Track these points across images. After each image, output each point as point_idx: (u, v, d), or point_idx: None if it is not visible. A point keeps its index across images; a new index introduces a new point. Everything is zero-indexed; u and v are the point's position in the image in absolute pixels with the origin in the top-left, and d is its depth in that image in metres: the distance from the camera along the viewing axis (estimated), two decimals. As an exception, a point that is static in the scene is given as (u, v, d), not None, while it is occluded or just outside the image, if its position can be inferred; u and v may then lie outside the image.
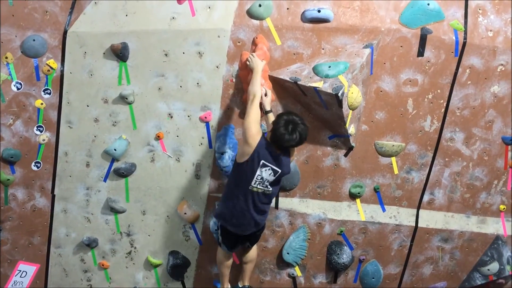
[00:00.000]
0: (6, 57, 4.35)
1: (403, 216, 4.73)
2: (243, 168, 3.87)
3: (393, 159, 4.57)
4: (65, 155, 4.59)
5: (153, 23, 4.29)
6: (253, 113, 3.86)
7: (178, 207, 4.65)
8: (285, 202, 4.62)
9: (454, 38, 4.32)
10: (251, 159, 3.82)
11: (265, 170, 3.85)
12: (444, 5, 4.31)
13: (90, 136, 4.54)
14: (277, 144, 3.85)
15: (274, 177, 3.91)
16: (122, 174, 4.57)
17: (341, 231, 4.69)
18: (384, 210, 4.70)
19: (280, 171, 3.91)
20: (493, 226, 4.87)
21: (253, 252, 4.47)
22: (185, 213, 4.63)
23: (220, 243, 4.27)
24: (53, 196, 4.68)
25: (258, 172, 3.85)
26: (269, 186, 3.94)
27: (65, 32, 4.35)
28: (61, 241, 4.81)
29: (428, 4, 4.26)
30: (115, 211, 4.68)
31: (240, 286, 4.57)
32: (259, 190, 3.92)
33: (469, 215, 4.82)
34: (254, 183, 3.88)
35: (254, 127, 3.82)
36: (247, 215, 3.98)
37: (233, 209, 3.98)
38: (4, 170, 4.56)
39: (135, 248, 4.79)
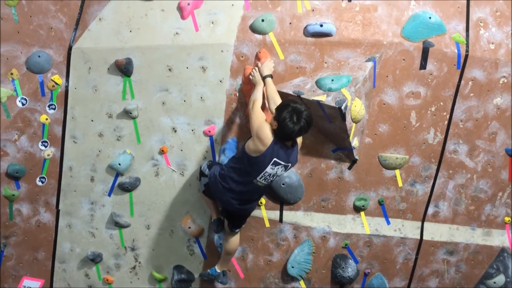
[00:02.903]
0: (12, 73, 4.40)
1: (408, 229, 4.71)
2: (253, 161, 3.82)
3: (397, 171, 4.57)
4: (69, 170, 4.60)
5: (157, 39, 4.33)
6: (258, 115, 3.83)
7: (182, 221, 4.65)
8: (289, 215, 4.61)
9: (456, 51, 4.34)
10: (263, 156, 3.77)
11: (277, 167, 3.83)
12: (445, 19, 4.34)
13: (95, 151, 4.56)
14: (288, 138, 3.80)
15: (285, 171, 3.93)
16: (127, 188, 4.58)
17: (346, 244, 4.67)
18: (388, 223, 4.68)
19: (290, 164, 3.90)
20: (499, 239, 4.85)
21: (236, 242, 4.41)
22: (190, 227, 4.63)
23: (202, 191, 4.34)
24: (58, 211, 4.69)
25: (267, 169, 3.82)
26: (271, 180, 3.94)
27: (70, 48, 4.39)
28: (65, 256, 4.80)
29: (430, 18, 4.29)
30: (119, 226, 4.68)
31: (219, 270, 4.51)
32: (260, 184, 3.93)
33: (474, 227, 4.80)
34: (260, 178, 3.87)
35: (266, 127, 3.76)
36: (234, 203, 4.04)
37: (224, 191, 4.00)
38: (9, 186, 4.58)
39: (139, 263, 4.78)
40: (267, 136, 3.74)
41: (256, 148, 3.78)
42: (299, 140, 4.02)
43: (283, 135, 3.74)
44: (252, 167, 3.85)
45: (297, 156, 4.01)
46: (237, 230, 4.35)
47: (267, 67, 4.11)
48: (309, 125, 3.74)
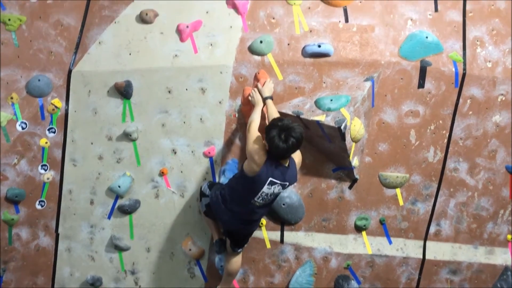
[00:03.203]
0: (12, 98, 4.41)
1: (410, 248, 4.68)
2: (249, 181, 3.82)
3: (398, 190, 4.56)
4: (69, 193, 4.59)
5: (156, 61, 4.36)
6: (254, 136, 3.84)
7: (182, 243, 4.61)
8: (290, 236, 4.58)
9: (453, 69, 4.38)
10: (258, 176, 3.77)
11: (274, 186, 3.83)
12: (442, 38, 4.38)
13: (94, 174, 4.55)
14: (281, 157, 3.79)
15: (284, 189, 3.93)
16: (126, 211, 4.56)
17: (348, 265, 4.63)
18: (390, 242, 4.65)
19: (288, 183, 3.89)
20: (502, 257, 4.81)
21: (238, 262, 4.38)
22: (190, 249, 4.59)
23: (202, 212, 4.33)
24: (57, 235, 4.65)
25: (264, 189, 3.81)
26: (271, 199, 3.94)
27: (69, 72, 4.41)
28: (65, 281, 4.75)
29: (427, 37, 4.33)
30: (119, 249, 4.64)
31: None
32: (259, 204, 3.92)
33: (477, 245, 4.77)
34: (257, 198, 3.87)
35: (259, 147, 3.76)
36: (235, 223, 4.04)
37: (226, 211, 4.01)
38: (8, 210, 4.55)
39: (139, 286, 4.73)
40: (260, 156, 3.75)
41: (251, 168, 3.79)
42: (297, 157, 4.01)
43: (275, 154, 3.74)
44: (249, 187, 3.85)
45: (296, 174, 3.99)
46: (239, 250, 4.32)
47: (268, 88, 4.14)
48: (299, 142, 3.70)
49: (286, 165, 3.86)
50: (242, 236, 4.25)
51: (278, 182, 3.82)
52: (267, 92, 4.12)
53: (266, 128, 3.76)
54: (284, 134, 3.64)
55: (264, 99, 4.10)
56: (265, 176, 3.77)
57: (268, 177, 3.78)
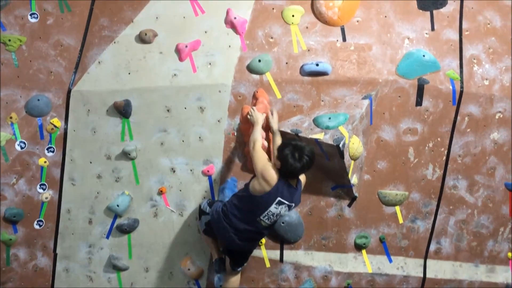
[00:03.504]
0: (11, 117, 4.42)
1: (411, 266, 4.65)
2: (257, 200, 3.85)
3: (397, 208, 4.54)
4: (67, 212, 4.57)
5: (155, 80, 4.38)
6: (260, 155, 3.91)
7: (181, 262, 4.58)
8: (290, 255, 4.55)
9: (451, 87, 4.40)
10: (267, 195, 3.80)
11: (281, 207, 3.85)
12: (439, 56, 4.42)
13: (93, 193, 4.54)
14: (292, 176, 3.86)
15: (288, 211, 3.95)
16: (125, 230, 4.53)
17: (348, 284, 4.59)
18: (391, 261, 4.62)
19: (293, 204, 3.94)
20: (503, 275, 4.78)
21: (236, 282, 4.35)
22: (189, 269, 4.56)
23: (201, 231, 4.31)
24: (55, 255, 4.62)
25: (270, 208, 3.83)
26: (274, 220, 3.95)
27: (69, 91, 4.43)
28: (62, 301, 4.71)
29: (424, 56, 4.37)
30: (117, 269, 4.60)
31: None
32: (264, 223, 3.92)
33: (477, 264, 4.74)
34: (263, 217, 3.88)
35: (270, 167, 3.83)
36: (237, 240, 4.00)
37: (227, 228, 3.99)
38: (6, 230, 4.53)
39: (138, 306, 4.69)
40: (273, 176, 3.79)
41: (262, 188, 3.81)
42: (303, 179, 4.07)
43: (287, 173, 3.81)
44: (256, 206, 3.87)
45: (300, 197, 4.04)
46: (239, 269, 4.29)
47: (275, 121, 4.19)
48: (312, 161, 3.82)
49: (295, 185, 3.92)
50: (242, 254, 4.23)
51: (286, 202, 3.86)
52: (275, 125, 4.18)
53: (279, 148, 3.86)
54: (298, 153, 3.74)
55: (274, 133, 4.16)
56: (274, 196, 3.81)
57: (277, 196, 3.81)
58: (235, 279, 4.33)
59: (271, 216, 3.89)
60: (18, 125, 4.44)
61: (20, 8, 4.44)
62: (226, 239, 4.08)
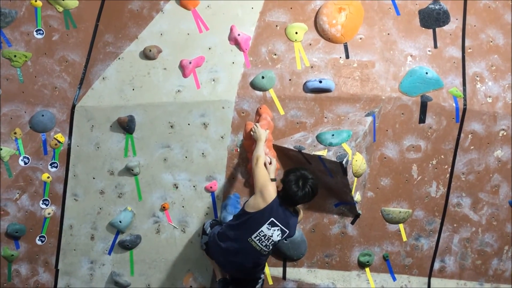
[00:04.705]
0: (15, 133, 4.44)
1: (414, 285, 4.61)
2: (249, 216, 3.78)
3: (401, 226, 4.52)
4: (70, 228, 4.56)
5: (159, 96, 4.40)
6: (262, 172, 3.86)
7: (183, 279, 4.55)
8: (292, 272, 4.52)
9: (454, 104, 4.40)
10: (261, 212, 3.75)
11: (274, 229, 3.77)
12: (442, 73, 4.43)
13: (96, 209, 4.53)
14: (290, 202, 3.82)
15: (281, 238, 3.82)
16: (127, 246, 4.51)
17: (351, 302, 4.56)
18: (394, 279, 4.58)
19: (288, 231, 3.84)
20: (508, 294, 4.74)
21: None
22: (191, 286, 4.53)
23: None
24: (57, 271, 4.60)
25: (263, 228, 3.75)
26: (269, 247, 3.81)
27: (73, 107, 4.45)
28: (63, 318, 4.68)
29: (427, 73, 4.38)
30: (119, 285, 4.57)
31: None
32: (257, 247, 3.80)
33: (482, 282, 4.69)
34: (255, 237, 3.77)
35: (270, 185, 3.81)
36: (229, 265, 3.92)
37: (221, 252, 3.90)
38: (8, 246, 4.52)
39: (139, 324, 4.65)
40: (270, 193, 3.76)
41: (257, 204, 3.77)
42: (301, 214, 4.04)
43: (286, 197, 3.79)
44: (248, 223, 3.79)
45: (296, 229, 3.96)
46: None
47: (271, 169, 4.04)
48: (314, 193, 3.82)
49: (292, 211, 3.88)
50: (244, 282, 4.12)
51: (280, 225, 3.78)
52: (272, 174, 4.01)
53: (286, 171, 3.89)
54: (302, 181, 3.76)
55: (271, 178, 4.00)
56: (268, 215, 3.75)
57: (271, 216, 3.76)
58: None
59: (263, 238, 3.77)
60: (22, 140, 4.46)
61: (26, 25, 4.49)
62: (221, 263, 4.04)
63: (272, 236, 3.79)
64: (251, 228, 3.79)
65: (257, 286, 4.16)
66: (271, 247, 3.83)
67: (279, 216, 3.77)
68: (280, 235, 3.81)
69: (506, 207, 4.59)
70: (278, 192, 3.83)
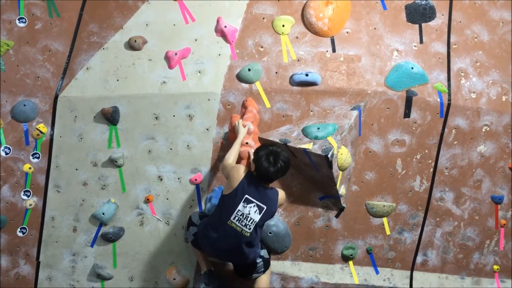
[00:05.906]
0: (-4, 122, 4.37)
1: (397, 278, 4.65)
2: (226, 199, 3.80)
3: (385, 219, 4.55)
4: (51, 220, 4.50)
5: (144, 88, 4.36)
6: (229, 163, 3.94)
7: (167, 272, 4.52)
8: (276, 265, 4.52)
9: (438, 100, 4.44)
10: (234, 191, 3.76)
11: (250, 206, 3.75)
12: (427, 69, 4.45)
13: (78, 200, 4.48)
14: (265, 179, 3.81)
15: (260, 215, 3.76)
16: (110, 239, 4.47)
17: (335, 295, 4.58)
18: (377, 272, 4.61)
19: (265, 207, 3.78)
20: (488, 288, 4.81)
21: (265, 283, 4.21)
22: (174, 279, 4.50)
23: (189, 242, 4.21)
24: (38, 263, 4.54)
25: (239, 207, 3.75)
26: (250, 227, 3.76)
27: (56, 97, 4.39)
28: (44, 311, 4.62)
29: (412, 68, 4.40)
30: (101, 278, 4.53)
31: None
32: (237, 228, 3.76)
33: (463, 276, 4.75)
34: (234, 218, 3.75)
35: (237, 165, 3.89)
36: (222, 246, 3.86)
37: (207, 241, 3.90)
38: (-12, 237, 4.45)
39: (122, 317, 4.62)
40: (239, 171, 3.81)
41: (229, 185, 3.81)
42: (281, 194, 3.98)
43: (260, 175, 3.78)
44: (225, 205, 3.81)
45: (276, 205, 3.89)
46: (253, 277, 4.16)
47: (242, 133, 4.17)
48: (286, 167, 3.81)
49: (267, 186, 3.86)
50: (244, 267, 4.13)
51: (255, 201, 3.75)
52: (241, 136, 4.15)
53: (256, 150, 3.87)
54: (273, 157, 3.75)
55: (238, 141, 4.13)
56: (241, 193, 3.76)
57: (245, 193, 3.76)
58: (264, 281, 4.21)
59: (241, 218, 3.74)
60: (3, 130, 4.38)
61: (8, 13, 4.40)
62: (209, 252, 4.03)
63: (249, 214, 3.75)
64: (228, 209, 3.78)
65: (260, 271, 4.15)
66: (252, 226, 3.77)
67: (253, 192, 3.77)
68: (258, 211, 3.77)
69: (488, 202, 4.65)
70: (251, 171, 3.83)
